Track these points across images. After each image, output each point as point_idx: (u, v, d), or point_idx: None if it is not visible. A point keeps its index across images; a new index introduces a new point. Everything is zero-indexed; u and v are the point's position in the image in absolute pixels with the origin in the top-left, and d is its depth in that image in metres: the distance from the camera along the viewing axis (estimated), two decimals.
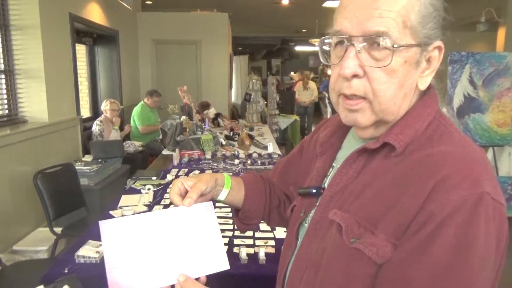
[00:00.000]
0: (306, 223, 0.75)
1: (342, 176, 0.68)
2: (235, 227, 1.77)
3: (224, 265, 0.73)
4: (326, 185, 0.73)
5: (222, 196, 0.87)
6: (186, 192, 0.77)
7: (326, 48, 0.67)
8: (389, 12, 0.58)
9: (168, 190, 2.38)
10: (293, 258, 0.75)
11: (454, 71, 3.97)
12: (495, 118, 4.04)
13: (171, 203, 2.33)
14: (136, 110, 5.22)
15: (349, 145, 0.74)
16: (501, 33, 6.17)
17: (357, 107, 0.63)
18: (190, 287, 0.67)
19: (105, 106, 4.43)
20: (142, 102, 5.31)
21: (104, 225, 0.71)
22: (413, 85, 0.64)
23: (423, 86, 0.65)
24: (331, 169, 0.76)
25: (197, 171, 2.86)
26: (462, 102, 4.00)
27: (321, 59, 0.68)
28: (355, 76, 0.61)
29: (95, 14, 4.78)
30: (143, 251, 0.70)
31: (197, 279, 0.70)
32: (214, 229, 0.75)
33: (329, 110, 10.26)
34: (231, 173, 2.84)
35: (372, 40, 0.59)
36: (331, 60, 0.66)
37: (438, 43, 0.63)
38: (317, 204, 0.73)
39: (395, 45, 0.58)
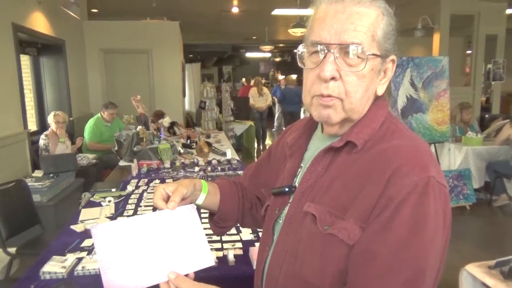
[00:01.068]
0: (280, 220, 0.83)
1: (311, 173, 0.77)
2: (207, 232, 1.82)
3: (209, 261, 0.78)
4: (297, 184, 0.81)
5: (200, 200, 0.92)
6: (168, 197, 0.82)
7: (299, 53, 0.76)
8: (362, 27, 0.69)
9: (130, 201, 2.36)
10: (271, 252, 0.82)
11: (396, 75, 4.26)
12: (435, 117, 4.38)
13: (135, 212, 2.30)
14: (89, 123, 4.97)
15: (315, 147, 0.83)
16: (436, 38, 6.68)
17: (331, 103, 0.72)
18: (181, 283, 0.72)
19: (50, 119, 4.27)
20: (98, 115, 5.05)
21: (96, 230, 0.74)
22: (373, 90, 0.75)
23: (380, 92, 0.76)
24: (299, 169, 0.84)
25: (157, 181, 2.85)
26: (405, 103, 4.30)
27: (299, 64, 0.77)
28: (333, 78, 0.70)
29: (40, 24, 4.59)
30: (134, 252, 0.74)
31: (186, 275, 0.75)
32: (198, 229, 0.80)
33: (276, 115, 10.63)
34: None
35: (346, 50, 0.69)
36: (307, 65, 0.75)
37: (393, 57, 0.75)
38: (290, 201, 0.81)
39: (367, 53, 0.69)
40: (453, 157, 4.70)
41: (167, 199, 0.81)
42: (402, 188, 0.64)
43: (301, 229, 0.74)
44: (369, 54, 0.69)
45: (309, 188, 0.76)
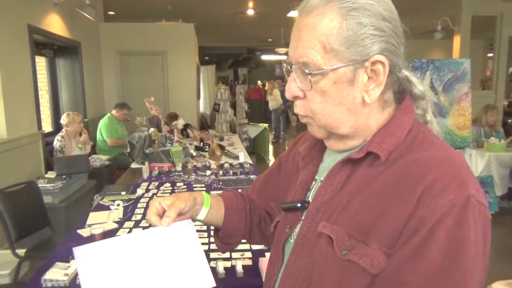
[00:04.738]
0: (291, 239, 0.74)
1: (327, 187, 0.68)
2: (211, 241, 1.74)
3: (209, 282, 0.70)
4: (310, 199, 0.72)
5: (201, 216, 0.83)
6: (164, 212, 0.74)
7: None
8: (309, 42, 0.61)
9: (139, 205, 2.31)
10: (280, 275, 0.73)
11: None
12: (456, 121, 4.22)
13: (144, 216, 2.24)
14: (103, 122, 5.06)
15: (330, 158, 0.74)
16: (456, 41, 6.48)
17: (305, 121, 0.69)
18: None
19: (66, 120, 4.13)
20: (108, 114, 5.16)
21: (79, 252, 0.66)
22: (355, 101, 0.64)
23: (370, 99, 0.63)
24: (314, 182, 0.75)
25: (168, 184, 2.79)
26: None
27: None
28: (296, 97, 0.66)
29: (56, 25, 4.61)
30: (123, 276, 0.66)
31: None
32: (196, 247, 0.72)
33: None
34: (204, 185, 2.80)
35: (301, 69, 0.63)
36: None
37: (378, 57, 0.62)
38: (303, 218, 0.72)
39: (317, 71, 0.61)
40: (474, 164, 4.53)
41: (162, 214, 0.74)
42: (436, 209, 0.54)
43: (315, 252, 0.65)
44: (319, 72, 0.61)
45: (324, 205, 0.67)
